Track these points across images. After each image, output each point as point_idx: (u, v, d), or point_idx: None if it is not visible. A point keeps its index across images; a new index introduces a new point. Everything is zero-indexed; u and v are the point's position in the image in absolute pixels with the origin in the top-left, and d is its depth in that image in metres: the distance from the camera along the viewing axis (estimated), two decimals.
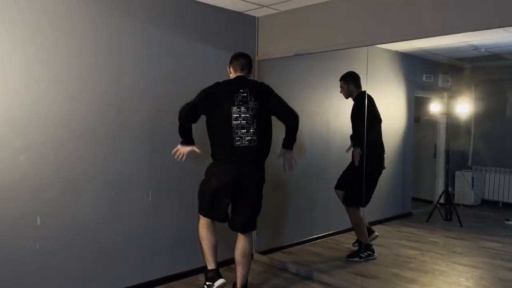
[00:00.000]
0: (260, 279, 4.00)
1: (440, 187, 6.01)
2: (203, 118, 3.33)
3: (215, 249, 3.37)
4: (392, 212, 5.65)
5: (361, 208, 4.37)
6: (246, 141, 3.20)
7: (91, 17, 3.31)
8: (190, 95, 3.85)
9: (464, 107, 5.90)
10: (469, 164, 6.13)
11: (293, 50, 4.19)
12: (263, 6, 4.13)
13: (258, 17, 4.50)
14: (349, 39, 3.80)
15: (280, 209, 4.73)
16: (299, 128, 3.39)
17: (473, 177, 6.04)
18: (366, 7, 3.68)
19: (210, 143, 3.31)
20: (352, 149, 4.31)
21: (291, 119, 3.35)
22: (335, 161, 4.91)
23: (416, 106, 5.66)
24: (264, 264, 4.40)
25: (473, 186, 6.03)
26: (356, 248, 4.48)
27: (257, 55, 4.49)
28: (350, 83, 4.37)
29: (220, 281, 3.29)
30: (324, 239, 5.05)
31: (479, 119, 5.90)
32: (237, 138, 3.18)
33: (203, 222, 3.38)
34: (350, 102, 4.40)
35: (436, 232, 5.43)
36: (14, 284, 3.00)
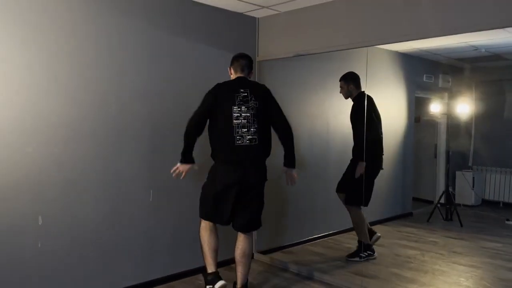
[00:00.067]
0: (261, 278, 4.01)
1: (440, 187, 6.00)
2: None
3: (216, 252, 3.38)
4: (392, 212, 5.66)
5: (362, 208, 4.37)
6: (247, 140, 3.21)
7: (91, 17, 3.32)
8: (190, 96, 3.87)
9: (465, 107, 5.90)
10: (469, 164, 6.13)
11: (293, 51, 4.20)
12: (263, 7, 4.14)
13: (258, 18, 4.51)
14: (349, 39, 3.80)
15: (280, 209, 4.74)
16: (294, 143, 3.42)
17: (473, 177, 6.03)
18: (366, 8, 3.68)
19: (210, 143, 3.32)
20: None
21: (287, 132, 3.39)
22: (335, 161, 4.92)
23: (416, 107, 5.67)
24: (265, 264, 4.41)
25: (473, 186, 6.03)
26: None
27: (258, 55, 4.50)
28: (350, 84, 4.37)
29: (220, 283, 3.30)
30: (324, 239, 5.05)
31: (479, 119, 5.90)
32: (237, 137, 3.19)
33: (205, 225, 3.39)
34: (350, 103, 4.41)
35: (436, 232, 5.43)
36: (15, 283, 3.01)
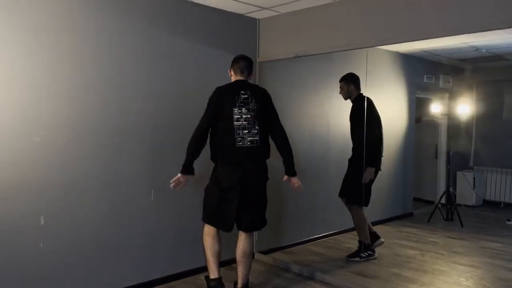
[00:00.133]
0: (262, 278, 4.03)
1: (441, 187, 6.02)
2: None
3: (219, 257, 3.39)
4: (393, 212, 5.67)
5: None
6: (248, 141, 3.23)
7: (91, 17, 3.33)
8: (191, 96, 3.90)
9: (465, 107, 5.91)
10: (470, 164, 6.14)
11: (293, 52, 4.21)
12: (264, 8, 4.16)
13: (259, 19, 4.53)
14: (349, 40, 3.82)
15: (281, 209, 4.75)
16: (292, 149, 3.43)
17: (474, 178, 6.04)
18: (366, 9, 3.69)
19: (210, 145, 3.33)
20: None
21: (285, 139, 3.39)
22: (335, 161, 4.93)
23: (417, 107, 5.69)
24: (266, 264, 4.43)
25: (474, 187, 6.04)
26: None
27: (258, 56, 4.52)
28: (350, 84, 4.39)
29: None
30: (325, 239, 5.07)
31: (480, 119, 5.91)
32: (238, 138, 3.21)
33: (208, 230, 3.39)
34: (350, 103, 4.42)
35: (436, 232, 5.44)
36: (16, 283, 3.03)
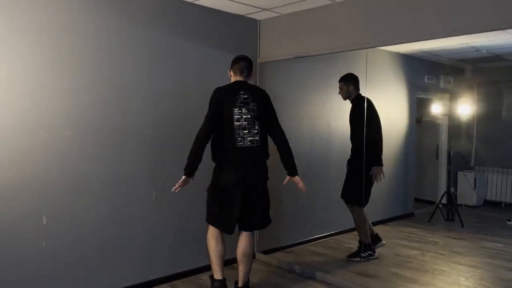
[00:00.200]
0: (262, 278, 4.03)
1: (442, 187, 6.01)
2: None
3: (223, 259, 3.39)
4: (394, 212, 5.68)
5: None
6: (248, 141, 3.24)
7: (91, 17, 3.34)
8: (192, 96, 3.91)
9: (466, 108, 5.92)
10: (471, 164, 6.13)
11: (294, 53, 4.22)
12: (264, 9, 4.17)
13: (259, 20, 4.54)
14: (349, 41, 3.82)
15: (281, 209, 4.75)
16: (291, 149, 3.42)
17: (475, 178, 6.04)
18: (367, 9, 3.70)
19: (211, 146, 3.33)
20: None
21: (284, 139, 3.39)
22: (336, 161, 4.93)
23: (418, 107, 5.69)
24: (266, 263, 4.43)
25: (475, 187, 6.04)
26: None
27: (259, 57, 4.53)
28: (350, 85, 4.39)
29: None
30: (325, 239, 5.08)
31: (481, 120, 5.91)
32: (239, 138, 3.22)
33: (212, 232, 3.39)
34: (350, 103, 4.43)
35: (437, 232, 5.44)
36: (16, 283, 3.04)
